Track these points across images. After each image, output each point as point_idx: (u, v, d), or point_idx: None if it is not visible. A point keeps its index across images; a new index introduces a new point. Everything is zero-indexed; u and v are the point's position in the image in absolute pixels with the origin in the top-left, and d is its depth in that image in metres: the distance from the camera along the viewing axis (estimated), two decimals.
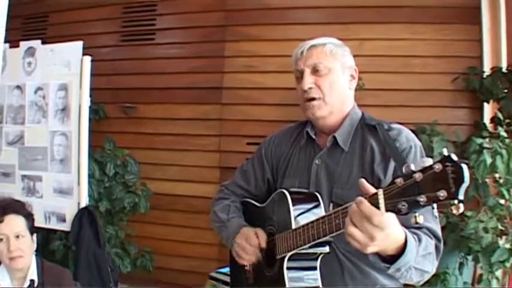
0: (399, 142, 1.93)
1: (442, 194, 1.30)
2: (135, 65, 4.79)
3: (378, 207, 1.44)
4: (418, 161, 1.38)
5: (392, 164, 1.87)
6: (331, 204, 1.89)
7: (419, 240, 1.72)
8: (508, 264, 3.34)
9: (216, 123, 4.52)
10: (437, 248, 1.84)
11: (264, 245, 2.02)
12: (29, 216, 2.66)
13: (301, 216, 1.90)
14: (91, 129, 3.71)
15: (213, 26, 4.56)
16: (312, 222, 1.75)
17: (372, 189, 1.50)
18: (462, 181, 1.28)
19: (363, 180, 1.53)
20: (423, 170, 1.34)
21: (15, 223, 2.59)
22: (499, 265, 3.35)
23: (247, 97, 4.42)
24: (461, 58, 4.03)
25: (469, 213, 3.40)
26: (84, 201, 3.60)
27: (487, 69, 3.93)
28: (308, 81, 2.01)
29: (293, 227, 1.87)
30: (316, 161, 2.07)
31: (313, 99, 2.01)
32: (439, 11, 4.06)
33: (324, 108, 2.02)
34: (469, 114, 4.02)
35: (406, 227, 1.62)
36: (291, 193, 1.97)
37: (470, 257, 3.50)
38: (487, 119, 3.89)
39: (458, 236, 3.43)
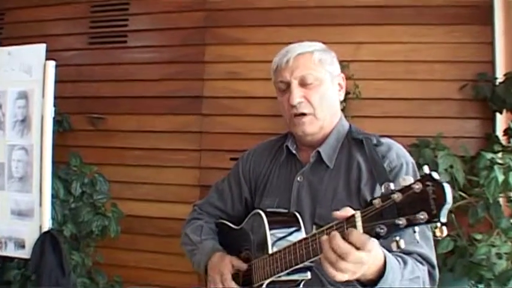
0: (389, 159, 1.98)
1: (423, 216, 1.34)
2: (104, 70, 4.78)
3: None
4: (398, 179, 1.42)
5: None
6: (314, 226, 1.94)
7: (405, 263, 1.77)
8: None
9: (196, 136, 4.52)
10: (431, 275, 1.90)
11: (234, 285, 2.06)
12: None
13: (279, 240, 1.94)
14: (54, 143, 3.69)
15: (192, 27, 4.58)
16: (289, 246, 1.79)
17: (347, 212, 1.54)
18: (444, 202, 1.31)
19: (337, 213, 1.56)
20: (402, 190, 1.39)
21: None
22: None
23: (230, 107, 4.43)
24: (470, 63, 4.05)
25: (479, 237, 3.42)
26: (47, 225, 3.59)
27: (499, 76, 3.94)
28: (297, 95, 2.04)
29: (270, 252, 1.91)
30: (298, 178, 2.11)
31: (303, 114, 2.03)
32: (446, 10, 4.09)
33: (316, 124, 2.06)
34: (479, 125, 4.04)
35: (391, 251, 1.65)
36: (267, 214, 2.01)
37: (481, 286, 3.50)
38: (499, 131, 3.89)
39: (467, 262, 3.45)
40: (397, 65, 4.11)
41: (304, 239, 1.73)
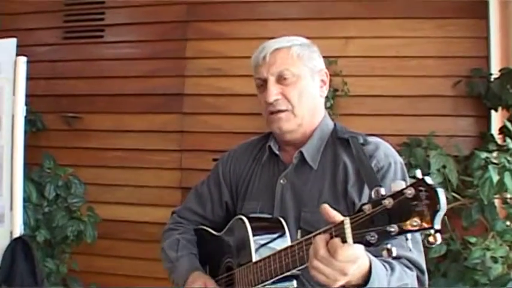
0: (376, 159, 1.96)
1: (416, 223, 1.33)
2: (80, 67, 4.73)
3: (344, 238, 1.47)
4: (390, 184, 1.41)
5: None
6: (299, 231, 1.93)
7: (392, 269, 1.75)
8: None
9: (176, 136, 4.50)
10: (419, 280, 1.88)
11: None
12: None
13: (263, 247, 1.92)
14: (27, 144, 3.66)
15: (173, 21, 4.56)
16: (274, 254, 1.77)
17: (337, 216, 1.53)
18: (438, 208, 1.30)
19: (327, 207, 1.56)
20: (394, 195, 1.38)
21: None
22: None
23: (212, 105, 4.41)
24: (464, 59, 4.05)
25: (473, 240, 3.42)
26: (18, 230, 3.56)
27: (494, 71, 3.94)
28: (273, 92, 2.03)
29: (254, 260, 1.89)
30: (281, 181, 2.10)
31: (280, 111, 2.02)
32: (438, 3, 4.08)
33: (293, 121, 2.05)
34: (473, 124, 4.04)
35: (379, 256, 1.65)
36: (250, 220, 2.00)
37: None
38: (494, 130, 3.89)
39: (461, 266, 3.46)
40: (388, 61, 4.11)
41: (290, 246, 1.71)
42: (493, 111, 3.92)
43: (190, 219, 2.38)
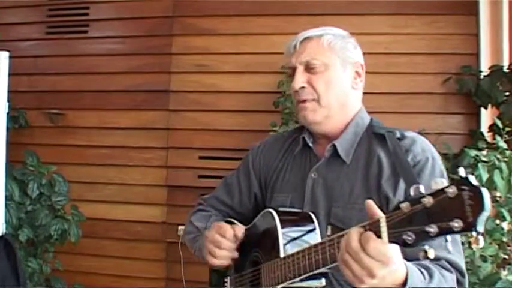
0: (413, 153, 1.92)
1: (457, 224, 1.27)
2: (64, 62, 4.70)
3: (379, 236, 1.43)
4: (429, 181, 1.36)
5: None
6: (328, 227, 1.90)
7: (431, 276, 1.69)
8: None
9: (162, 133, 4.49)
10: (460, 283, 1.81)
11: (240, 235, 2.04)
12: None
13: (291, 242, 1.89)
14: (9, 141, 3.66)
15: (159, 16, 4.54)
16: (304, 250, 1.74)
17: (377, 215, 1.48)
18: (482, 209, 1.25)
19: (371, 202, 1.51)
20: (434, 194, 1.33)
21: None
22: None
23: (199, 102, 4.39)
24: (454, 55, 4.07)
25: (463, 239, 3.41)
26: (0, 229, 3.56)
27: (484, 69, 3.95)
28: (300, 80, 2.03)
29: (281, 255, 1.86)
30: (312, 175, 2.08)
31: (305, 100, 2.02)
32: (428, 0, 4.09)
33: (319, 111, 2.03)
34: (463, 121, 4.06)
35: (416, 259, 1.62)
36: (279, 214, 1.96)
37: None
38: (484, 127, 3.91)
39: None
40: (377, 58, 4.08)
41: (321, 243, 1.68)
42: (482, 109, 3.93)
43: (217, 207, 2.38)
